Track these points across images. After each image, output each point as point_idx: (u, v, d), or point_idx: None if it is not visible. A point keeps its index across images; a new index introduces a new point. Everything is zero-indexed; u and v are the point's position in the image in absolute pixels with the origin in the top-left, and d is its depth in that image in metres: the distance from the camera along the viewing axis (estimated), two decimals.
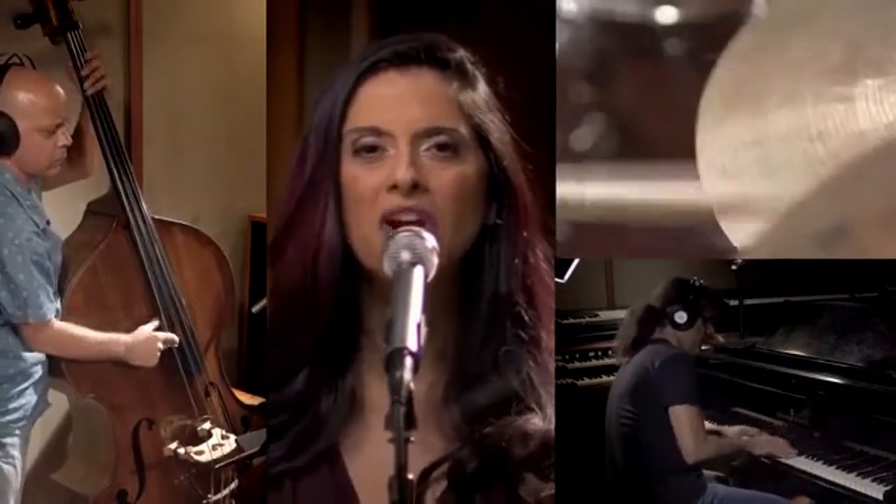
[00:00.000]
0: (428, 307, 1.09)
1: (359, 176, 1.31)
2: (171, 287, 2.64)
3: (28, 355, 2.37)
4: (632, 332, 2.67)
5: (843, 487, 2.34)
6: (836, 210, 1.26)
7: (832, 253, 1.25)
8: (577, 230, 1.99)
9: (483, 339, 1.35)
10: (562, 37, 2.01)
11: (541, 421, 1.33)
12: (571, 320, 3.51)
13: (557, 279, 1.47)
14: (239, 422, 2.83)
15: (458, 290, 1.35)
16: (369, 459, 1.33)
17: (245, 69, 3.19)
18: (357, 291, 1.34)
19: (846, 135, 1.31)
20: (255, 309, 2.22)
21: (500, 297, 1.35)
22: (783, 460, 2.52)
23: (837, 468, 2.40)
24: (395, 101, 1.32)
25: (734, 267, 3.13)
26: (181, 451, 2.61)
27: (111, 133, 2.59)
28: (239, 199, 3.35)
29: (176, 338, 2.62)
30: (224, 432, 2.68)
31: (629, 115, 2.02)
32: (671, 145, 1.87)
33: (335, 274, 1.32)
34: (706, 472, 2.55)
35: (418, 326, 1.05)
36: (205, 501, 2.60)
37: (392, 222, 1.27)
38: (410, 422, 0.97)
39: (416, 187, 1.27)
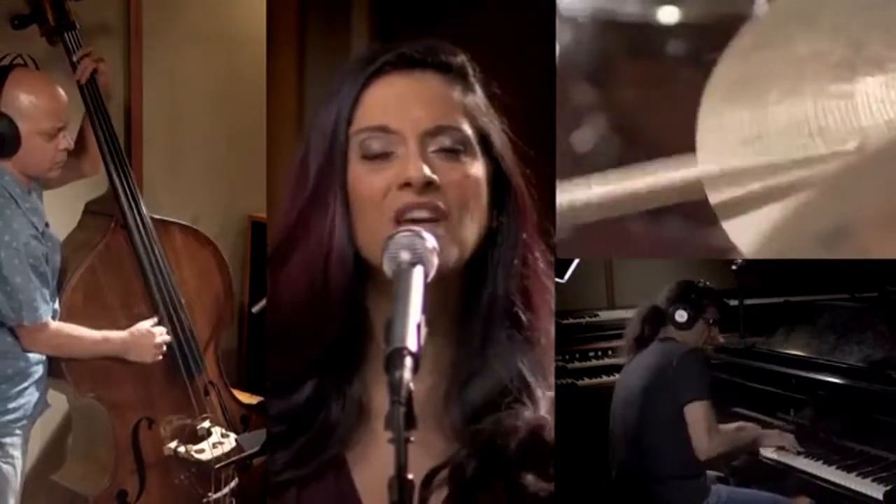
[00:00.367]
0: (429, 308, 1.09)
1: (367, 178, 1.30)
2: (169, 286, 2.64)
3: (28, 355, 2.37)
4: (637, 331, 2.67)
5: (843, 487, 2.34)
6: (836, 206, 1.26)
7: (832, 251, 1.24)
8: (577, 230, 1.99)
9: (482, 339, 1.34)
10: (563, 37, 2.01)
11: (531, 413, 1.33)
12: (571, 320, 3.51)
13: (557, 279, 1.47)
14: (238, 421, 2.84)
15: (459, 291, 1.35)
16: (375, 468, 1.32)
17: (245, 69, 3.19)
18: (365, 297, 1.34)
19: (846, 131, 1.31)
20: (255, 309, 2.21)
21: (498, 297, 1.34)
22: (783, 460, 2.53)
23: (837, 468, 2.40)
24: (401, 102, 1.32)
25: (734, 267, 3.14)
26: (181, 450, 2.61)
27: (109, 133, 2.58)
28: (239, 199, 3.35)
29: (168, 336, 2.62)
30: (224, 431, 2.68)
31: (630, 115, 2.02)
32: (673, 145, 1.87)
33: (346, 280, 1.31)
34: (708, 473, 2.55)
35: (418, 326, 1.05)
36: (205, 500, 2.61)
37: (405, 220, 1.26)
38: (410, 422, 0.97)
39: (429, 184, 1.27)
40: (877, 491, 2.26)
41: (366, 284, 1.33)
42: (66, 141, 2.38)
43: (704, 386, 2.49)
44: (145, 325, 2.57)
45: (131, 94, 3.02)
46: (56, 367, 2.47)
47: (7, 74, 2.31)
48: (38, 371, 2.41)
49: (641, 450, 2.55)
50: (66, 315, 2.44)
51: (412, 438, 0.97)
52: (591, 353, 3.46)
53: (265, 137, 2.15)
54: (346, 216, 1.31)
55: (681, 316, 2.60)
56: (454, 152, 1.31)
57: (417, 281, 1.14)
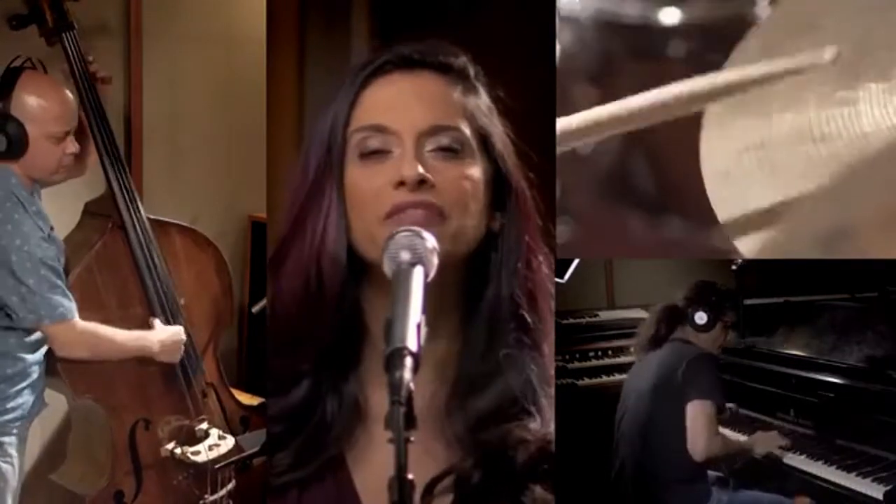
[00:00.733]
0: (430, 310, 1.08)
1: (363, 177, 1.30)
2: (166, 287, 2.64)
3: (28, 356, 2.37)
4: (651, 330, 2.66)
5: (843, 487, 2.34)
6: (839, 214, 1.26)
7: (832, 252, 1.25)
8: (578, 230, 1.99)
9: (485, 343, 1.34)
10: (564, 38, 2.01)
11: (540, 426, 1.33)
12: (571, 320, 3.51)
13: (557, 279, 1.47)
14: (238, 422, 2.83)
15: (461, 294, 1.34)
16: (375, 468, 1.32)
17: (245, 69, 3.19)
18: (361, 296, 1.34)
19: (849, 138, 1.31)
20: (255, 309, 2.22)
21: (502, 301, 1.34)
22: (784, 460, 2.52)
23: (837, 468, 2.40)
24: (399, 101, 1.32)
25: (734, 267, 3.14)
26: (178, 451, 2.61)
27: (107, 133, 2.58)
28: (239, 199, 3.35)
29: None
30: (221, 433, 2.68)
31: None
32: (673, 146, 1.87)
33: (339, 278, 1.31)
34: (709, 474, 2.55)
35: (418, 326, 1.05)
36: (202, 502, 2.60)
37: (399, 220, 1.26)
38: (410, 422, 0.97)
39: (422, 183, 1.27)
40: (877, 491, 2.26)
41: (361, 283, 1.32)
42: (73, 145, 2.38)
43: (710, 388, 2.47)
44: (172, 327, 2.59)
45: (131, 94, 3.02)
46: (53, 368, 2.46)
47: (17, 77, 2.31)
48: (36, 371, 2.40)
49: (647, 450, 2.55)
50: None
51: (412, 438, 0.96)
52: (591, 353, 3.46)
53: (265, 137, 2.15)
54: (342, 215, 1.30)
55: (700, 318, 2.59)
56: (452, 152, 1.30)
57: (417, 281, 1.14)
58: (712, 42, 1.81)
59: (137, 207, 2.61)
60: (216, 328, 2.85)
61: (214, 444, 2.64)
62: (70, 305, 2.35)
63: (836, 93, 1.33)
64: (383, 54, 1.35)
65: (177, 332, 2.60)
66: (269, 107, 2.30)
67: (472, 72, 1.37)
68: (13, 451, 2.35)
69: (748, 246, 1.37)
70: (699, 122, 1.43)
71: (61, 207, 2.64)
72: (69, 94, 2.38)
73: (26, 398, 2.38)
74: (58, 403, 2.68)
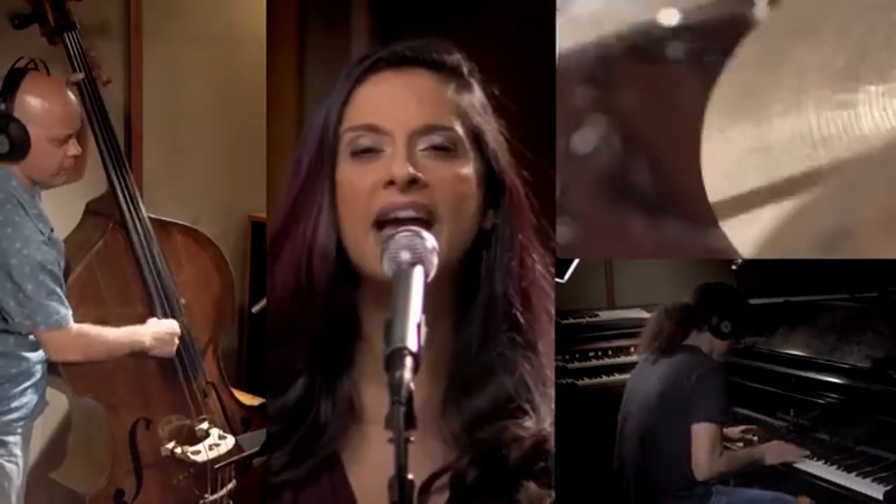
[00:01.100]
0: (427, 309, 1.08)
1: (354, 176, 1.30)
2: (167, 287, 2.64)
3: (31, 355, 2.37)
4: (666, 332, 2.64)
5: (843, 487, 2.34)
6: (840, 216, 1.26)
7: (832, 253, 1.25)
8: (578, 230, 1.99)
9: (479, 342, 1.34)
10: (564, 40, 2.00)
11: (534, 423, 1.33)
12: (571, 320, 3.50)
13: (557, 279, 1.47)
14: (239, 422, 2.83)
15: (455, 294, 1.34)
16: (370, 468, 1.33)
17: (245, 69, 3.19)
18: (354, 296, 1.34)
19: (849, 140, 1.31)
20: (255, 309, 2.21)
21: (496, 300, 1.34)
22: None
23: (837, 468, 2.40)
24: (392, 100, 1.32)
25: (734, 267, 3.13)
26: (178, 450, 2.61)
27: (108, 133, 2.59)
28: (239, 199, 3.35)
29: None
30: (221, 432, 2.68)
31: (631, 117, 2.02)
32: (674, 148, 1.87)
33: (329, 276, 1.31)
34: None
35: (418, 326, 1.05)
36: (201, 501, 2.60)
37: (388, 222, 1.26)
38: (410, 421, 0.97)
39: (413, 183, 1.26)
40: (877, 491, 2.26)
41: (353, 282, 1.32)
42: (75, 147, 2.38)
43: (718, 408, 2.47)
44: (164, 321, 2.57)
45: (131, 94, 3.02)
46: (54, 367, 2.47)
47: (21, 79, 2.31)
48: (39, 370, 2.40)
49: (649, 456, 2.55)
50: None
51: (412, 438, 0.96)
52: (591, 353, 3.45)
53: (265, 137, 2.15)
54: (332, 213, 1.30)
55: (726, 327, 2.58)
56: (445, 151, 1.30)
57: (417, 281, 1.14)
58: (711, 44, 1.81)
59: (138, 207, 2.62)
60: (217, 328, 2.85)
61: (215, 444, 2.64)
62: (66, 312, 2.34)
63: (835, 95, 1.34)
64: (376, 52, 1.35)
65: (169, 325, 2.58)
66: (269, 107, 2.30)
67: (465, 69, 1.36)
68: (17, 451, 2.35)
69: (749, 247, 1.37)
70: (700, 125, 1.44)
71: (62, 207, 2.64)
72: (72, 97, 2.39)
73: (30, 397, 2.38)
74: (58, 402, 2.68)
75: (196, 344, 2.71)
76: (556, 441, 1.36)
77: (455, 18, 2.13)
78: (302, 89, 2.39)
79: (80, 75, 2.54)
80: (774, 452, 2.54)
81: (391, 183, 1.27)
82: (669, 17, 1.98)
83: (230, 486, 2.65)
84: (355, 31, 2.37)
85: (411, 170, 1.26)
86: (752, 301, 3.19)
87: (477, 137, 1.33)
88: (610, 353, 3.45)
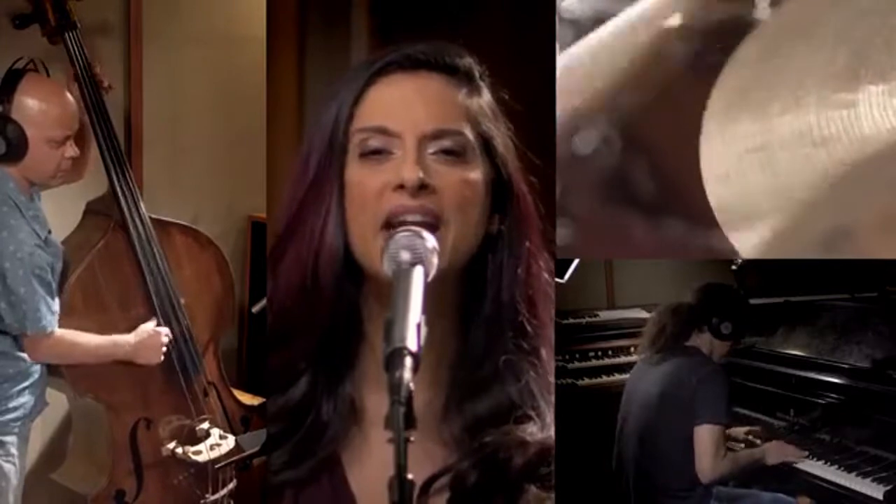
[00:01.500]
0: (429, 312, 1.08)
1: (363, 177, 1.30)
2: (168, 287, 2.64)
3: (26, 354, 2.37)
4: (666, 333, 2.63)
5: (843, 487, 2.34)
6: (839, 216, 1.26)
7: (832, 253, 1.25)
8: (578, 232, 1.99)
9: (484, 348, 1.34)
10: (564, 40, 2.00)
11: (539, 430, 1.33)
12: (571, 320, 3.50)
13: (557, 279, 1.47)
14: (239, 422, 2.83)
15: (459, 299, 1.34)
16: (369, 471, 1.33)
17: (245, 69, 3.19)
18: (358, 297, 1.34)
19: (849, 140, 1.31)
20: (255, 309, 2.21)
21: (502, 306, 1.34)
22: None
23: (837, 468, 2.40)
24: (403, 103, 1.31)
25: (734, 267, 3.13)
26: (179, 450, 2.61)
27: (109, 133, 2.58)
28: (239, 199, 3.35)
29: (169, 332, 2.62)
30: (222, 432, 2.68)
31: (631, 118, 2.01)
32: (674, 148, 1.87)
33: (336, 276, 1.31)
34: None
35: (418, 326, 1.05)
36: (202, 501, 2.60)
37: (396, 224, 1.26)
38: (410, 421, 0.97)
39: (422, 187, 1.26)
40: (877, 491, 2.26)
41: (358, 283, 1.32)
42: (73, 149, 2.38)
43: (720, 409, 2.47)
44: (149, 326, 2.57)
45: (131, 94, 3.02)
46: (55, 367, 2.47)
47: (19, 80, 2.31)
48: (38, 371, 2.41)
49: (649, 457, 2.54)
50: (65, 314, 2.44)
51: (412, 438, 0.96)
52: (591, 353, 3.45)
53: (265, 137, 2.15)
54: (341, 214, 1.30)
55: (727, 328, 2.58)
56: (454, 155, 1.30)
57: (417, 281, 1.14)
58: (712, 44, 1.80)
59: (139, 207, 2.62)
60: (217, 327, 2.85)
61: (215, 444, 2.64)
62: (52, 319, 2.35)
63: (835, 95, 1.34)
64: (388, 54, 1.34)
65: (152, 332, 2.56)
66: (269, 107, 2.30)
67: (476, 72, 1.36)
68: (15, 451, 2.35)
69: (748, 247, 1.37)
70: (699, 125, 1.44)
71: (62, 207, 2.64)
72: (70, 99, 2.38)
73: (28, 397, 2.38)
74: (59, 403, 2.68)
75: (196, 344, 2.71)
76: (556, 441, 1.36)
77: (454, 18, 2.13)
78: (302, 89, 2.39)
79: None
80: (775, 452, 2.54)
81: (401, 186, 1.26)
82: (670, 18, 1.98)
83: (231, 485, 2.65)
84: (355, 31, 2.37)
85: (421, 174, 1.26)
86: (752, 301, 3.19)
87: (486, 143, 1.33)
88: (610, 353, 3.44)
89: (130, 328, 2.55)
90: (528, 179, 1.37)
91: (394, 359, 1.01)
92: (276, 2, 2.33)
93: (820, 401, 2.59)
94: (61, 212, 2.63)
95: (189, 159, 3.24)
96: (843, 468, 2.39)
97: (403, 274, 1.16)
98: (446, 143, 1.30)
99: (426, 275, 1.17)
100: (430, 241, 1.22)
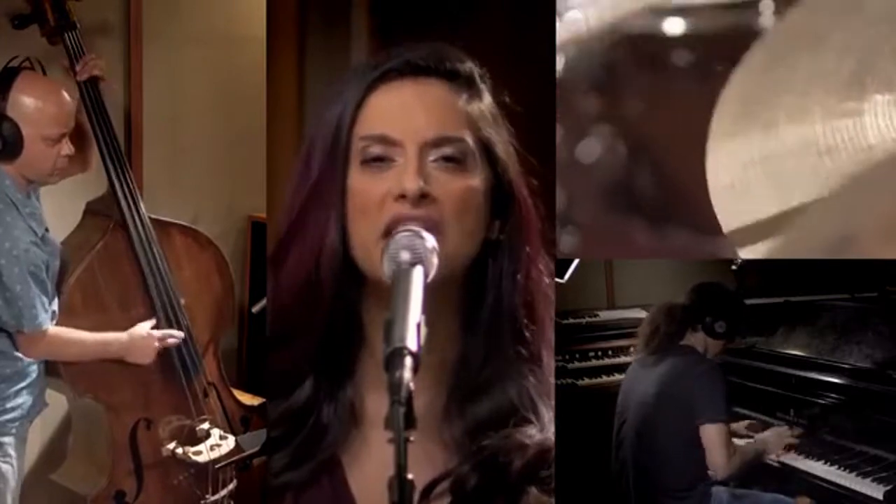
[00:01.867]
0: (429, 316, 1.08)
1: (365, 185, 1.29)
2: (168, 287, 2.64)
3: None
4: (661, 333, 2.64)
5: (843, 487, 2.35)
6: (845, 226, 1.26)
7: (835, 257, 1.25)
8: (583, 241, 1.99)
9: (484, 352, 1.34)
10: (568, 49, 2.00)
11: (539, 433, 1.33)
12: (571, 320, 3.50)
13: (557, 279, 1.47)
14: (239, 422, 2.83)
15: (459, 305, 1.34)
16: (369, 473, 1.33)
17: (245, 69, 3.19)
18: (358, 302, 1.33)
19: (854, 149, 1.31)
20: (255, 309, 2.21)
21: (501, 312, 1.33)
22: (784, 460, 2.52)
23: (837, 468, 2.40)
24: (404, 110, 1.31)
25: (734, 267, 3.14)
26: (179, 451, 2.61)
27: (108, 133, 2.58)
28: (239, 199, 3.35)
29: (179, 333, 2.62)
30: (222, 432, 2.68)
31: (636, 126, 2.01)
32: (678, 155, 1.87)
33: (336, 280, 1.30)
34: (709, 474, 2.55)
35: (418, 326, 1.05)
36: (202, 502, 2.60)
37: (398, 232, 1.26)
38: (410, 421, 0.97)
39: (423, 197, 1.26)
40: (877, 491, 2.26)
41: (359, 288, 1.32)
42: (69, 147, 2.38)
43: (722, 406, 2.48)
44: (144, 326, 2.57)
45: (131, 94, 3.02)
46: (54, 367, 2.47)
47: (14, 77, 2.30)
48: (35, 371, 2.41)
49: (649, 458, 2.55)
50: (65, 314, 2.44)
51: (412, 439, 0.96)
52: (591, 353, 3.45)
53: (265, 138, 2.15)
54: (342, 220, 1.30)
55: (720, 327, 2.59)
56: (455, 162, 1.29)
57: (417, 281, 1.14)
58: (717, 53, 1.80)
59: (139, 207, 2.62)
60: (217, 328, 2.85)
61: (215, 444, 2.64)
62: (46, 317, 2.35)
63: (841, 104, 1.33)
64: (389, 60, 1.34)
65: (144, 334, 2.56)
66: (269, 107, 2.30)
67: (477, 76, 1.36)
68: (12, 451, 2.35)
69: (753, 256, 1.37)
70: (705, 134, 1.43)
71: (62, 207, 2.64)
72: (66, 96, 2.38)
73: (25, 398, 2.38)
74: (58, 403, 2.68)
75: (196, 344, 2.71)
76: (556, 442, 1.36)
77: (455, 19, 2.13)
78: (302, 89, 2.39)
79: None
80: (776, 439, 2.55)
81: (402, 196, 1.26)
82: (675, 27, 1.97)
83: (231, 486, 2.64)
84: (355, 31, 2.37)
85: (422, 184, 1.26)
86: (752, 301, 3.19)
87: (487, 148, 1.33)
88: (610, 353, 3.45)
89: (130, 328, 2.55)
90: (528, 182, 1.37)
91: (394, 359, 1.01)
92: (276, 2, 2.33)
93: (820, 401, 2.59)
94: (61, 212, 2.63)
95: (189, 159, 3.24)
96: (843, 468, 2.39)
97: (403, 274, 1.16)
98: (447, 150, 1.29)
99: (426, 275, 1.17)
100: (430, 240, 1.22)
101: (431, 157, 1.29)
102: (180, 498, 2.66)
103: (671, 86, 1.97)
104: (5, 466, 2.34)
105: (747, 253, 1.37)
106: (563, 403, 1.51)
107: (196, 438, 2.65)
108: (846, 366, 2.57)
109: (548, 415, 1.35)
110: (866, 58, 1.35)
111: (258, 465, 2.52)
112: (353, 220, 1.30)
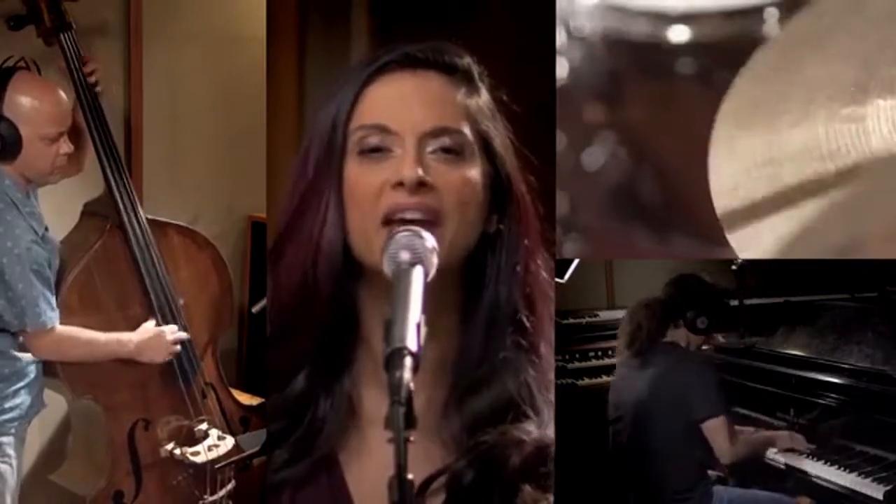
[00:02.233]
0: (428, 312, 1.08)
1: (362, 175, 1.30)
2: (165, 288, 2.63)
3: (24, 355, 2.37)
4: (644, 331, 2.64)
5: (843, 487, 2.35)
6: (848, 232, 1.26)
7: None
8: (586, 246, 1.99)
9: (483, 346, 1.34)
10: (573, 55, 2.00)
11: (537, 429, 1.33)
12: (571, 320, 3.51)
13: (557, 279, 1.47)
14: (238, 422, 2.83)
15: (458, 298, 1.34)
16: (367, 470, 1.33)
17: (245, 69, 3.19)
18: (356, 296, 1.34)
19: (857, 154, 1.31)
20: (255, 309, 2.22)
21: (500, 304, 1.34)
22: (784, 460, 2.53)
23: (837, 468, 2.40)
24: (402, 102, 1.31)
25: (734, 267, 3.14)
26: (177, 451, 2.61)
27: (105, 134, 2.58)
28: (239, 199, 3.35)
29: (185, 335, 2.62)
30: (221, 433, 2.68)
31: (640, 133, 2.01)
32: (682, 163, 1.87)
33: (334, 273, 1.31)
34: (709, 473, 2.55)
35: (418, 326, 1.05)
36: (201, 502, 2.60)
37: (395, 221, 1.26)
38: (410, 421, 0.97)
39: (421, 185, 1.26)
40: (877, 491, 2.26)
41: (357, 282, 1.32)
42: (67, 145, 2.38)
43: (719, 400, 2.49)
44: (150, 325, 2.57)
45: (131, 94, 3.02)
46: (51, 368, 2.46)
47: (10, 77, 2.30)
48: (33, 371, 2.40)
49: (648, 458, 2.55)
50: (62, 314, 2.44)
51: (412, 438, 0.96)
52: (591, 353, 3.46)
53: (265, 137, 2.15)
54: (339, 212, 1.30)
55: (702, 322, 2.59)
56: (453, 154, 1.30)
57: (417, 281, 1.14)
58: (721, 60, 1.80)
59: (136, 208, 2.61)
60: (216, 328, 2.84)
61: (214, 445, 2.64)
62: (52, 314, 2.35)
63: (844, 109, 1.33)
64: (387, 53, 1.34)
65: (157, 332, 2.56)
66: (269, 107, 2.30)
67: (476, 73, 1.37)
68: (11, 452, 2.35)
69: (755, 257, 1.37)
70: (708, 139, 1.43)
71: (59, 208, 2.64)
72: (62, 95, 2.37)
73: (23, 398, 2.37)
74: (57, 404, 2.68)
75: (194, 345, 2.71)
76: (556, 441, 1.35)
77: (455, 19, 2.13)
78: (302, 89, 2.39)
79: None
80: (786, 438, 2.56)
81: (400, 184, 1.27)
82: (679, 34, 1.97)
83: (230, 486, 2.64)
84: (355, 31, 2.37)
85: (420, 172, 1.27)
86: (752, 301, 3.20)
87: (485, 142, 1.33)
88: (610, 353, 3.44)
89: (128, 329, 2.55)
90: (526, 179, 1.37)
91: (394, 359, 1.01)
92: (276, 2, 2.33)
93: (820, 401, 2.59)
94: (58, 213, 2.62)
95: (189, 159, 3.24)
96: (843, 468, 2.39)
97: (403, 274, 1.16)
98: (445, 141, 1.30)
99: (426, 275, 1.17)
100: (430, 240, 1.22)
101: (430, 148, 1.29)
102: (179, 498, 2.65)
103: (675, 94, 1.97)
104: (4, 467, 2.34)
105: (749, 255, 1.37)
106: (563, 403, 1.51)
107: (194, 439, 2.65)
108: (846, 366, 2.57)
109: (547, 411, 1.35)
110: (870, 63, 1.35)
111: (257, 465, 2.52)
112: (351, 210, 1.30)
